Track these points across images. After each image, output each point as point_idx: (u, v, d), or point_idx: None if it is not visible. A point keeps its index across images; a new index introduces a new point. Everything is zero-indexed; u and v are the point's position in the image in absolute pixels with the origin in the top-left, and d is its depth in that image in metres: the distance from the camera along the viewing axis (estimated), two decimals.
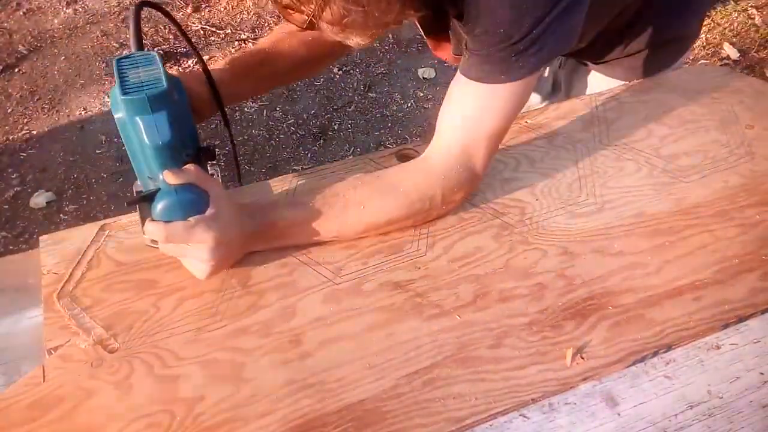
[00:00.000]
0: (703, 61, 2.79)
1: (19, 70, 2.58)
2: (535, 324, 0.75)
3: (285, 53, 0.95)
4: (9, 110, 2.41)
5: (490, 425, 0.65)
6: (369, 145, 2.35)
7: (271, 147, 2.32)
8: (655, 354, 0.72)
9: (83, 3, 2.95)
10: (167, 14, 0.83)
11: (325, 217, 0.79)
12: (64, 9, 2.90)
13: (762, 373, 0.70)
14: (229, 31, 2.81)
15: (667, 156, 0.98)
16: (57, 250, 0.82)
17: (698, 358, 0.72)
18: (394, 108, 2.51)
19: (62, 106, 2.44)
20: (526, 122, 1.05)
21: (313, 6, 0.65)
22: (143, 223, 0.75)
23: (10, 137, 2.31)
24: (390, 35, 2.83)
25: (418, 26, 0.92)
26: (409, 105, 2.51)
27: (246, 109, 2.45)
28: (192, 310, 0.76)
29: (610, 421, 0.66)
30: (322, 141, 2.35)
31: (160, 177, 0.72)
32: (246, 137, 2.34)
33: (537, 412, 0.67)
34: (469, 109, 0.79)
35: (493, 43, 0.72)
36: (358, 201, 0.80)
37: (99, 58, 2.65)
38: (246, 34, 2.79)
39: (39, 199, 2.08)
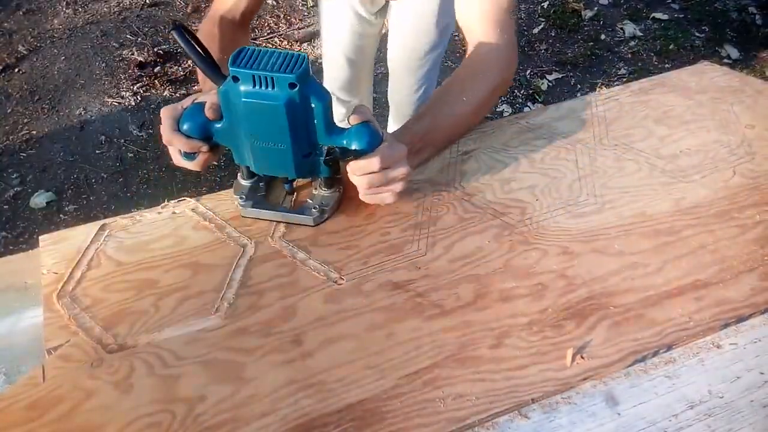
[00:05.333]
0: (703, 61, 2.78)
1: (19, 70, 2.58)
2: (535, 324, 0.75)
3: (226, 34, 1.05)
4: (9, 110, 2.41)
5: (490, 425, 0.65)
6: None
7: None
8: (655, 354, 0.72)
9: (83, 3, 2.95)
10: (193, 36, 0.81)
11: (448, 110, 0.96)
12: (64, 9, 2.90)
13: (762, 373, 0.70)
14: None
15: (667, 156, 0.98)
16: (57, 250, 0.82)
17: (698, 357, 0.72)
18: None
19: (62, 106, 2.44)
20: (526, 122, 1.05)
21: None
22: (297, 211, 0.86)
23: (10, 137, 2.31)
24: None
25: None
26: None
27: None
28: (192, 310, 0.76)
29: (610, 421, 0.66)
30: None
31: (328, 144, 0.81)
32: None
33: (537, 412, 0.67)
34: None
35: None
36: (473, 89, 0.98)
37: (99, 58, 2.65)
38: None
39: (39, 199, 2.08)
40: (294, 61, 0.74)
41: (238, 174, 0.91)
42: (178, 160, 0.85)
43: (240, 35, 1.08)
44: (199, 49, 0.78)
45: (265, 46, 2.73)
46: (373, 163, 0.78)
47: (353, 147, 0.79)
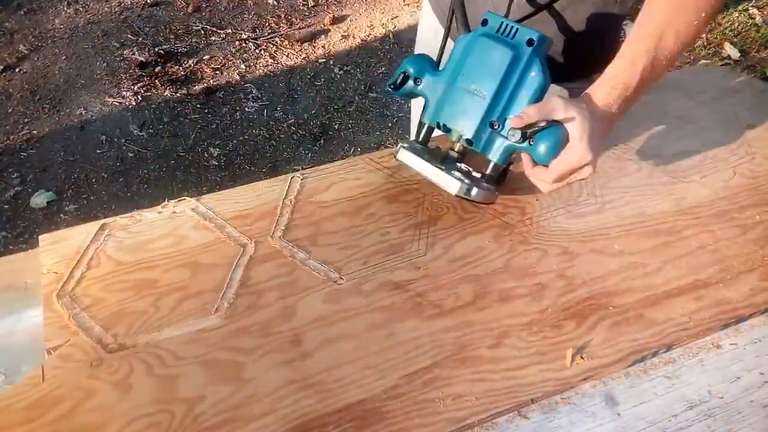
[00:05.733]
0: (703, 61, 2.79)
1: (20, 70, 2.59)
2: (535, 324, 0.75)
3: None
4: (9, 110, 2.41)
5: (490, 425, 0.65)
6: (369, 145, 2.35)
7: (272, 147, 2.32)
8: (655, 354, 0.72)
9: (84, 3, 2.95)
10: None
11: (664, 54, 0.79)
12: (65, 9, 2.90)
13: (762, 373, 0.70)
14: (229, 30, 2.81)
15: (667, 156, 0.98)
16: (57, 250, 0.82)
17: (698, 358, 0.72)
18: (395, 108, 2.51)
19: (63, 106, 2.44)
20: None
21: None
22: (449, 172, 0.82)
23: (11, 137, 2.31)
24: (390, 35, 2.83)
25: None
26: (409, 105, 2.51)
27: (246, 109, 2.45)
28: (192, 310, 0.76)
29: (610, 421, 0.66)
30: (322, 141, 2.35)
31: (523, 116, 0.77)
32: (246, 137, 2.34)
33: (537, 412, 0.67)
34: None
35: None
36: (679, 22, 0.80)
37: (100, 58, 2.65)
38: (246, 34, 2.79)
39: (39, 199, 2.08)
40: (539, 35, 0.79)
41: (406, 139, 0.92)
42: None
43: None
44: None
45: (265, 46, 2.71)
46: (547, 177, 0.78)
47: (535, 152, 0.78)
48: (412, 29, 2.84)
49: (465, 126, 0.83)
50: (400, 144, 0.87)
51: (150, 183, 2.13)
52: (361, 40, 2.80)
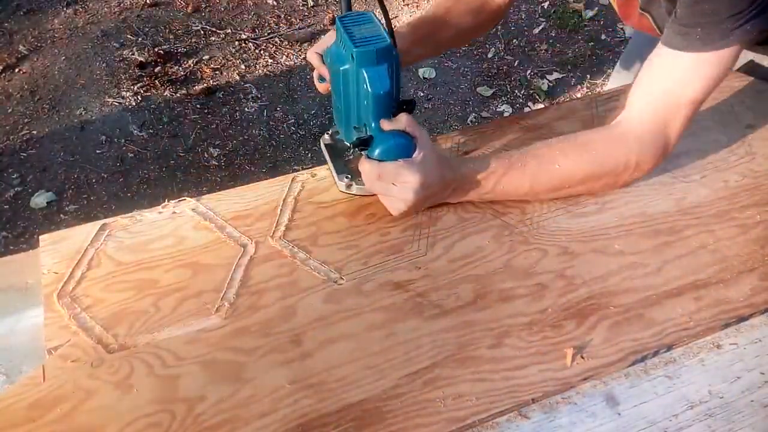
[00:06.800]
0: None
1: (20, 70, 2.58)
2: (535, 324, 0.75)
3: (454, 22, 1.01)
4: (9, 110, 2.41)
5: (490, 425, 0.65)
6: None
7: (272, 147, 2.32)
8: (655, 354, 0.72)
9: (83, 3, 2.94)
10: None
11: (521, 172, 0.83)
12: (64, 9, 2.90)
13: (763, 373, 0.70)
14: (229, 31, 2.81)
15: (668, 156, 0.98)
16: (57, 250, 0.82)
17: (698, 357, 0.72)
18: None
19: (62, 106, 2.44)
20: (526, 122, 1.05)
21: None
22: (337, 170, 0.89)
23: (11, 137, 2.31)
24: None
25: None
26: None
27: (246, 109, 2.45)
28: (192, 310, 0.76)
29: (610, 420, 0.66)
30: None
31: (373, 125, 0.82)
32: (246, 137, 2.34)
33: (537, 412, 0.67)
34: (670, 78, 0.80)
35: (706, 13, 0.74)
36: (552, 159, 0.83)
37: (99, 58, 2.65)
38: (246, 34, 2.79)
39: (39, 199, 2.08)
40: (378, 41, 0.78)
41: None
42: (315, 78, 0.97)
43: (465, 16, 1.02)
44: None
45: (265, 46, 2.71)
46: (372, 170, 0.80)
47: (373, 150, 0.81)
48: None
49: (341, 130, 0.90)
50: (329, 132, 0.96)
51: (150, 183, 2.13)
52: None
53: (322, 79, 0.94)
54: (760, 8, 0.73)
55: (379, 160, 0.81)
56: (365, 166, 0.81)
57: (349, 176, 0.88)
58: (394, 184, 0.80)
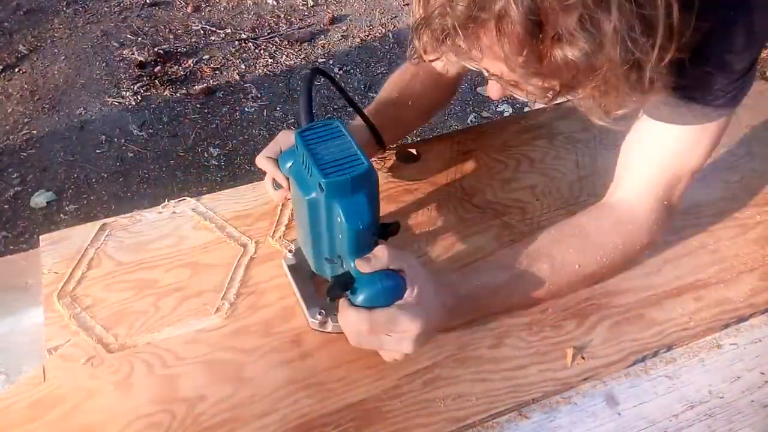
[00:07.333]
0: None
1: (20, 70, 2.58)
2: (535, 324, 0.75)
3: (414, 101, 0.92)
4: (9, 110, 2.41)
5: (491, 425, 0.65)
6: None
7: None
8: (655, 354, 0.72)
9: (83, 3, 2.94)
10: (333, 81, 0.80)
11: (534, 280, 0.72)
12: (64, 9, 2.90)
13: (762, 373, 0.70)
14: (229, 31, 2.81)
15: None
16: (57, 250, 0.82)
17: (699, 357, 0.72)
18: None
19: (62, 106, 2.44)
20: (526, 122, 1.05)
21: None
22: (307, 303, 0.73)
23: (11, 137, 2.30)
24: (390, 35, 2.83)
25: None
26: None
27: (246, 108, 2.45)
28: (192, 310, 0.76)
29: (611, 420, 0.66)
30: None
31: (351, 264, 0.66)
32: (246, 137, 2.34)
33: (537, 411, 0.67)
34: (668, 153, 0.74)
35: (700, 88, 0.67)
36: (569, 261, 0.74)
37: (99, 58, 2.65)
38: (246, 34, 2.79)
39: (39, 199, 2.08)
40: (353, 165, 0.63)
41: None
42: (267, 184, 0.85)
43: (432, 91, 0.94)
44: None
45: (265, 46, 2.71)
46: (361, 323, 0.63)
47: (356, 297, 0.64)
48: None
49: (308, 258, 0.74)
50: (289, 247, 0.81)
51: (150, 183, 2.13)
52: (361, 40, 2.80)
53: (277, 185, 0.81)
54: (749, 75, 0.68)
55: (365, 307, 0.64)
56: (350, 317, 0.64)
57: (323, 312, 0.72)
58: (389, 334, 0.64)
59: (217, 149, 2.28)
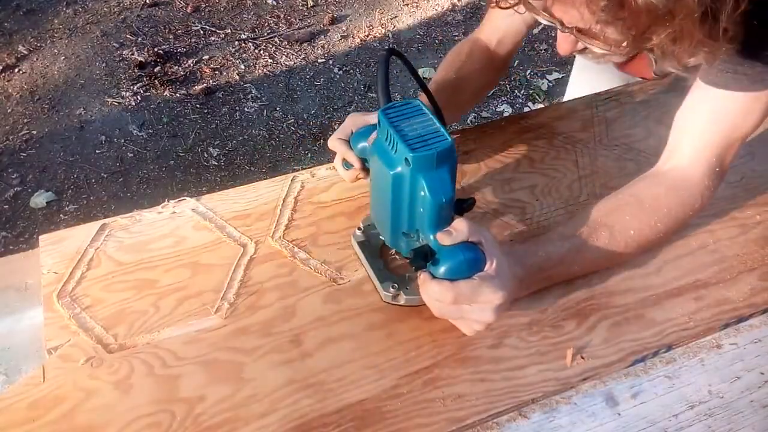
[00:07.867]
0: None
1: (19, 70, 2.58)
2: (535, 324, 0.75)
3: (469, 82, 0.96)
4: (9, 110, 2.41)
5: (490, 425, 0.65)
6: None
7: (271, 147, 2.32)
8: (655, 354, 0.72)
9: (83, 3, 2.94)
10: (406, 61, 0.81)
11: (595, 248, 0.75)
12: (64, 9, 2.90)
13: (762, 373, 0.70)
14: (229, 31, 2.81)
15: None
16: (57, 250, 0.82)
17: (698, 357, 0.72)
18: None
19: (62, 107, 2.44)
20: (526, 122, 1.05)
21: None
22: (379, 277, 0.76)
23: (10, 137, 2.30)
24: (389, 35, 2.83)
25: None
26: None
27: (246, 109, 2.45)
28: (192, 310, 0.76)
29: (610, 420, 0.66)
30: (322, 141, 2.35)
31: (431, 236, 0.68)
32: (246, 137, 2.34)
33: (537, 411, 0.67)
34: (724, 116, 0.77)
35: (764, 46, 0.69)
36: (625, 226, 0.77)
37: (99, 59, 2.65)
38: (246, 34, 2.79)
39: (39, 199, 2.08)
40: (437, 140, 0.66)
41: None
42: (337, 164, 0.88)
43: (487, 68, 0.97)
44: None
45: (265, 46, 2.71)
46: (445, 294, 0.66)
47: (437, 269, 0.67)
48: (411, 29, 2.84)
49: (383, 233, 0.77)
50: (362, 224, 0.83)
51: (150, 183, 2.13)
52: (361, 40, 2.80)
53: (347, 164, 0.85)
54: None
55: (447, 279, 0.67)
56: (433, 288, 0.66)
57: (395, 285, 0.75)
58: (470, 305, 0.67)
59: (217, 149, 2.28)
